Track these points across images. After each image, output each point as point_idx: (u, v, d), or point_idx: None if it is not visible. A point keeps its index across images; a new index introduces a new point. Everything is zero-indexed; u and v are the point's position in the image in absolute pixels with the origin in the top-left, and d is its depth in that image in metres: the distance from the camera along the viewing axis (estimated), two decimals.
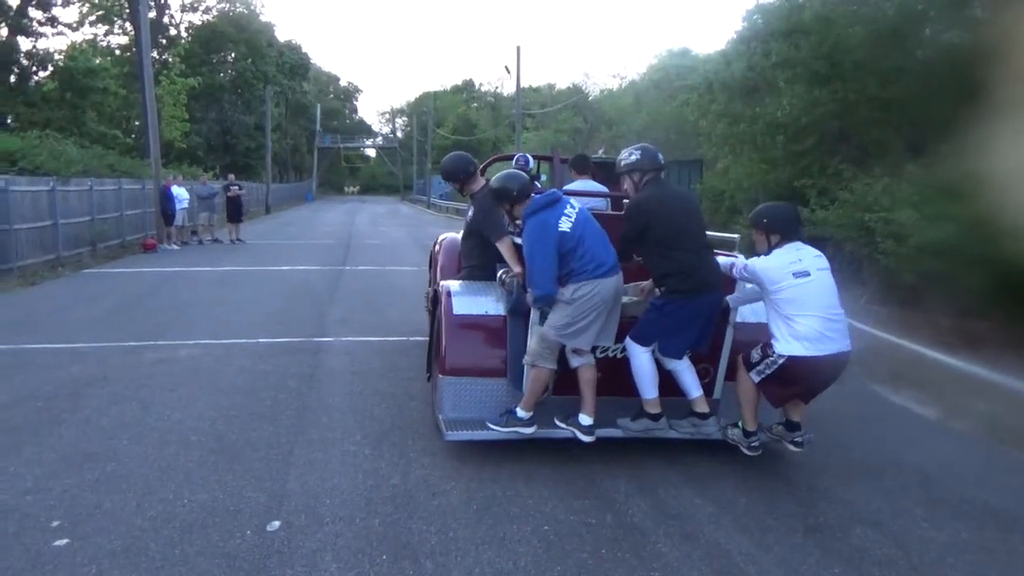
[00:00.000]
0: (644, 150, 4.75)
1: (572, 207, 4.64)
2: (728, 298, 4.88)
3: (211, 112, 44.46)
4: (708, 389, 4.96)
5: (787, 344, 4.36)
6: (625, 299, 4.77)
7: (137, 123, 31.70)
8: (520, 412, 4.67)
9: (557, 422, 4.69)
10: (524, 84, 57.40)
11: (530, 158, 7.41)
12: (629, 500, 4.21)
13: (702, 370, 4.94)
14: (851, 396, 6.07)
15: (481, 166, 6.11)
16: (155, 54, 36.27)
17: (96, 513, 3.98)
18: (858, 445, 5.13)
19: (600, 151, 28.13)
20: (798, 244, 4.50)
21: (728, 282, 4.81)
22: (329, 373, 6.47)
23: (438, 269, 6.33)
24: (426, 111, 68.00)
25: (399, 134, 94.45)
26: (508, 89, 79.45)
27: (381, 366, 6.69)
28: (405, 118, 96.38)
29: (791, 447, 4.70)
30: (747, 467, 4.73)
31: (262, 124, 44.93)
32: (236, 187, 19.71)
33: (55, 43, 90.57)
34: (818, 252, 4.50)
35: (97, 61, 29.11)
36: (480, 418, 4.75)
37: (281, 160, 63.10)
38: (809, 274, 4.39)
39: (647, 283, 4.87)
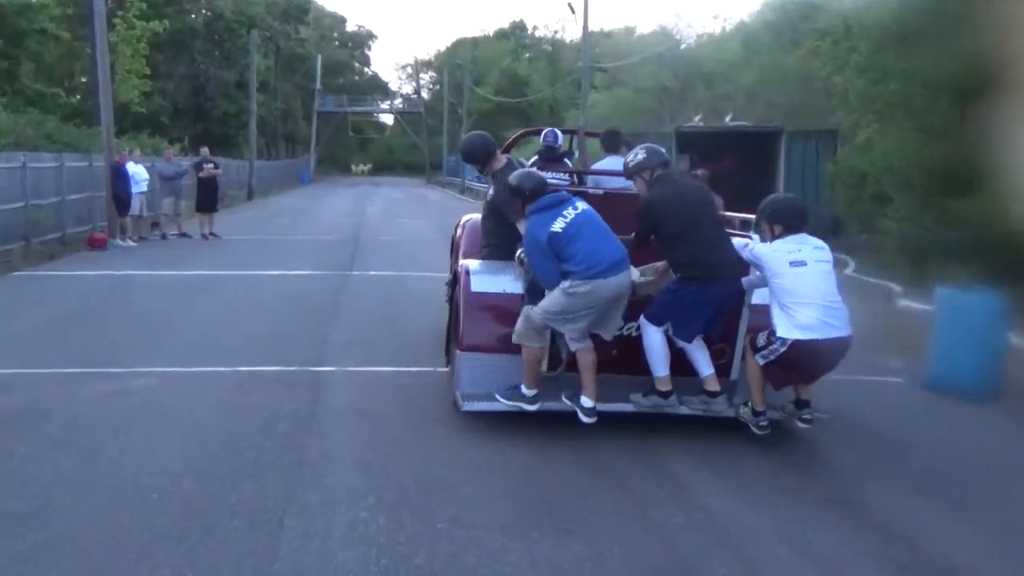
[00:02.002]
0: (648, 149, 6.49)
1: (574, 208, 6.18)
2: (743, 280, 6.40)
3: (179, 66, 44.75)
4: (725, 370, 6.61)
5: (788, 331, 5.91)
6: (641, 279, 6.40)
7: (84, 79, 31.52)
8: (524, 389, 6.29)
9: (564, 398, 6.36)
10: (593, 27, 57.69)
11: (559, 134, 8.84)
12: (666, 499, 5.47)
13: (718, 351, 6.53)
14: None
15: (506, 143, 7.51)
16: None
17: None
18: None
19: (696, 118, 27.39)
20: (802, 236, 6.10)
21: (745, 267, 6.34)
22: (331, 414, 6.56)
23: (460, 254, 7.75)
24: (461, 64, 67.88)
25: (424, 94, 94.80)
26: (572, 34, 79.52)
27: (399, 405, 6.79)
28: (433, 74, 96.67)
29: (800, 424, 6.43)
30: (755, 444, 6.32)
31: (245, 82, 44.66)
32: (210, 165, 19.98)
33: None
34: (821, 245, 6.12)
35: None
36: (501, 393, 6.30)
37: (270, 129, 63.70)
38: (806, 264, 5.95)
39: (663, 263, 6.50)
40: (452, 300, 7.50)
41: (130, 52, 32.18)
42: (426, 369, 7.81)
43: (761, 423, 6.51)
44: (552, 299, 6.26)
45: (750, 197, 7.68)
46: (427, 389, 7.17)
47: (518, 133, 9.06)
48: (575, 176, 8.75)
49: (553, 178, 8.44)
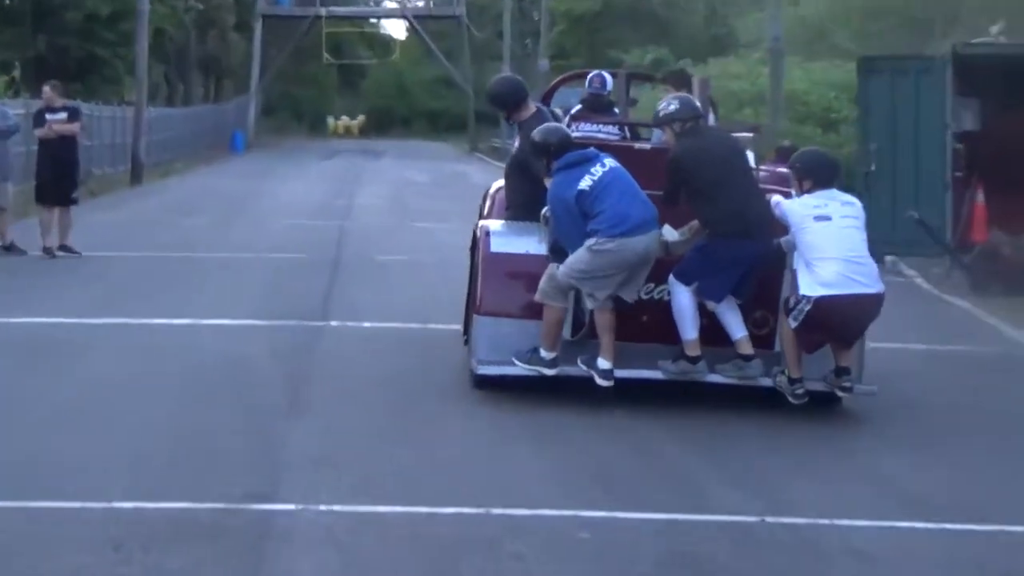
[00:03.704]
0: (681, 99, 8.82)
1: (602, 165, 8.38)
2: (781, 240, 8.55)
3: None
4: (768, 340, 8.68)
5: (811, 288, 8.08)
6: (674, 238, 8.58)
7: None
8: (543, 352, 8.40)
9: (579, 362, 8.45)
10: None
11: (608, 78, 10.92)
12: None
13: (760, 319, 8.68)
14: None
15: (546, 91, 10.67)
16: None
17: None
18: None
19: (994, 30, 24.94)
20: (832, 191, 8.44)
21: (780, 227, 8.54)
22: None
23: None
24: None
25: None
26: None
27: None
28: None
29: (839, 392, 8.52)
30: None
31: None
32: (61, 116, 17.06)
33: None
34: (851, 201, 8.56)
35: None
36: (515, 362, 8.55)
37: (174, 51, 58.09)
38: (830, 219, 8.19)
39: (696, 222, 8.64)
40: (472, 264, 9.67)
41: None
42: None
43: (797, 391, 8.34)
44: (578, 257, 8.22)
45: None
46: None
47: (560, 78, 10.83)
48: (626, 129, 10.48)
49: (600, 131, 10.36)
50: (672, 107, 8.62)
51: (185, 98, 64.55)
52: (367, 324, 12.95)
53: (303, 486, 7.42)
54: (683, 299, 8.34)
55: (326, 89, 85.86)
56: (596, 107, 11.13)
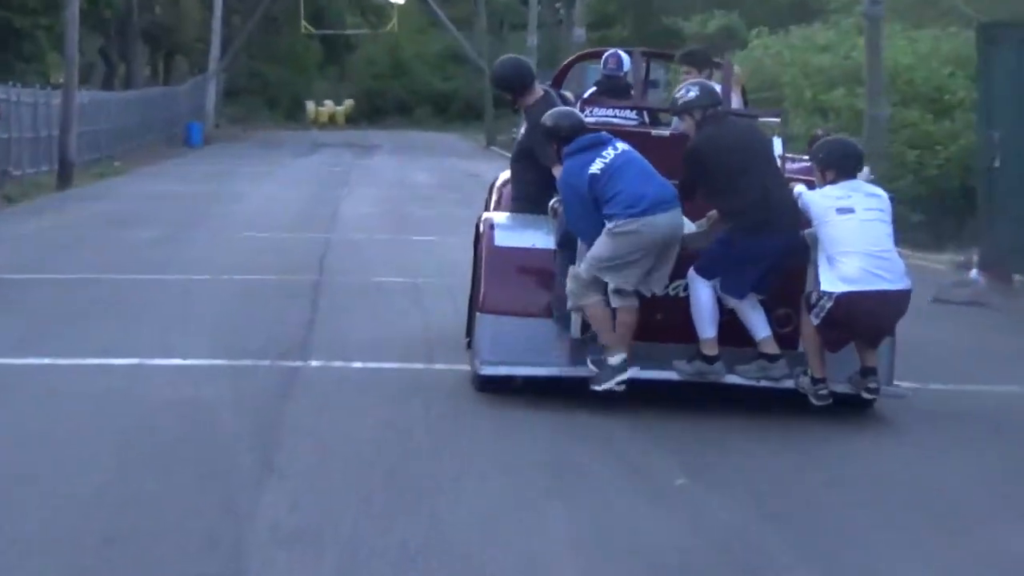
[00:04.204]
0: (701, 86, 10.40)
1: (614, 149, 9.85)
2: (805, 233, 10.02)
3: None
4: (792, 340, 10.07)
5: (833, 283, 9.52)
6: (692, 230, 10.07)
7: None
8: (611, 360, 9.74)
9: (589, 363, 9.91)
10: None
11: (624, 58, 12.18)
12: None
13: (783, 317, 10.09)
14: None
15: (556, 73, 12.57)
16: None
17: None
18: None
19: None
20: (856, 182, 9.96)
21: (805, 219, 10.00)
22: None
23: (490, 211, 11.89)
24: None
25: None
26: None
27: None
28: None
29: (865, 395, 10.06)
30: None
31: None
32: None
33: None
34: (876, 193, 10.08)
35: None
36: (526, 361, 10.21)
37: (113, 19, 59.46)
38: (854, 211, 9.63)
39: (715, 212, 10.29)
40: (475, 260, 11.26)
41: None
42: None
43: (820, 391, 9.77)
44: (600, 244, 9.65)
45: None
46: None
47: (570, 59, 12.51)
48: (646, 113, 11.85)
49: (616, 116, 11.65)
50: (692, 94, 10.17)
51: (127, 79, 65.04)
52: (356, 364, 12.93)
53: (275, 570, 7.42)
54: (703, 295, 9.82)
55: (305, 67, 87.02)
56: (611, 90, 12.27)
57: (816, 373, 9.72)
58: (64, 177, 35.60)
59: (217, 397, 11.43)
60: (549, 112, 10.15)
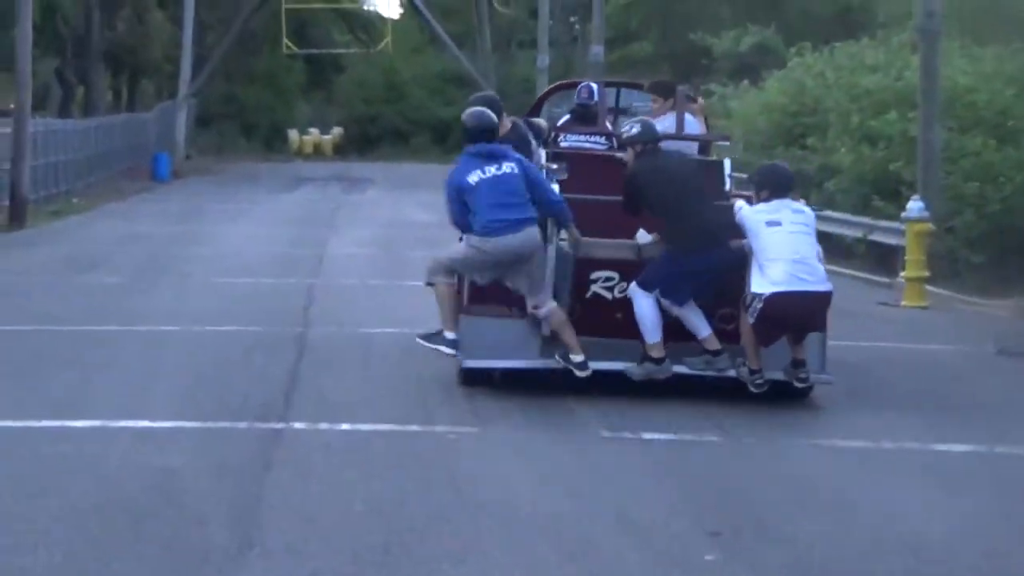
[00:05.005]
0: (643, 124, 13.89)
1: (498, 168, 13.15)
2: (743, 243, 13.22)
3: None
4: (735, 335, 13.29)
5: (761, 286, 12.76)
6: (647, 240, 13.58)
7: None
8: (445, 333, 13.62)
9: (557, 356, 13.28)
10: None
11: (595, 88, 16.23)
12: None
13: (727, 315, 13.49)
14: None
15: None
16: None
17: None
18: None
19: None
20: (786, 200, 13.30)
21: (739, 233, 13.26)
22: None
23: None
24: None
25: None
26: None
27: None
28: None
29: (796, 384, 13.33)
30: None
31: None
32: None
33: None
34: (802, 209, 13.46)
35: None
36: (502, 356, 13.79)
37: (76, 41, 60.37)
38: (781, 224, 12.94)
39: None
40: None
41: None
42: None
43: (756, 381, 12.98)
44: (458, 248, 13.72)
45: None
46: None
47: (547, 89, 16.30)
48: (613, 140, 15.12)
49: (588, 142, 15.52)
50: (634, 131, 13.72)
51: (86, 105, 64.73)
52: (344, 426, 13.03)
53: None
54: (644, 305, 13.06)
55: (287, 91, 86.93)
56: (583, 117, 16.12)
57: (752, 365, 12.99)
58: (15, 215, 35.53)
59: (189, 464, 11.43)
60: (467, 111, 13.76)
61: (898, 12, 38.70)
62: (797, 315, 12.94)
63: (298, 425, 13.01)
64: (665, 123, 14.91)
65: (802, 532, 9.35)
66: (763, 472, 11.26)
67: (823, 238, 30.58)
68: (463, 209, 13.29)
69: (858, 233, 28.76)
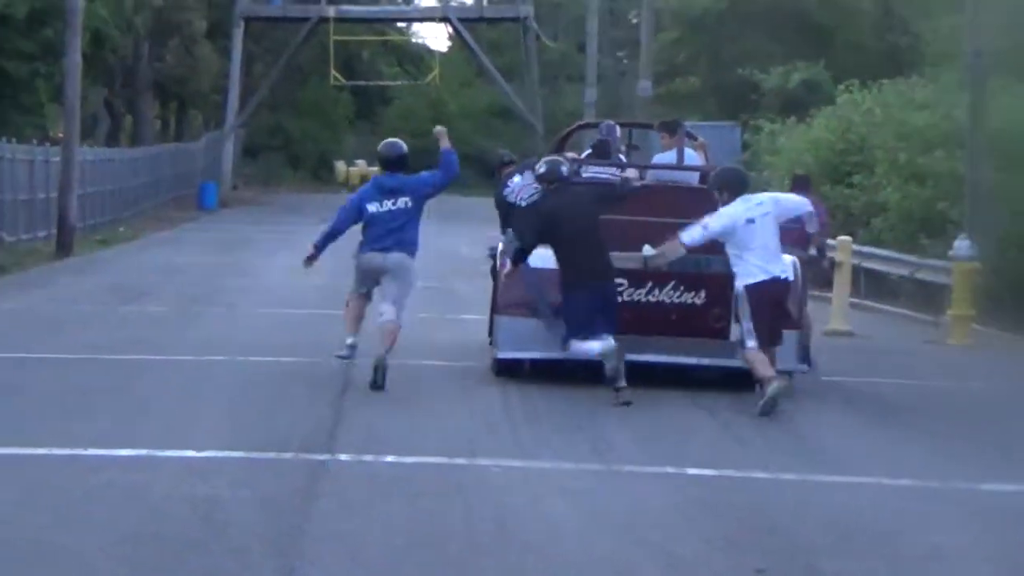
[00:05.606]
0: (549, 164, 16.71)
1: (394, 204, 16.58)
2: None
3: None
4: (723, 332, 16.52)
5: (743, 279, 15.18)
6: (651, 253, 15.95)
7: None
8: (348, 340, 16.90)
9: (562, 348, 16.33)
10: None
11: (615, 127, 19.66)
12: None
13: (718, 314, 16.58)
14: None
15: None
16: None
17: None
18: None
19: None
20: (748, 196, 15.50)
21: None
22: None
23: None
24: None
25: None
26: None
27: None
28: None
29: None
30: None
31: None
32: None
33: None
34: (761, 200, 15.80)
35: None
36: (531, 348, 16.98)
37: (124, 71, 60.19)
38: (755, 221, 15.18)
39: (669, 244, 15.79)
40: (494, 281, 18.19)
41: None
42: None
43: (780, 386, 14.83)
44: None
45: None
46: None
47: (572, 127, 20.15)
48: (622, 171, 17.68)
49: (604, 173, 17.74)
50: (541, 170, 16.40)
51: (134, 135, 64.74)
52: (389, 458, 12.96)
53: None
54: (585, 347, 15.43)
55: (334, 122, 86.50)
56: (602, 152, 18.56)
57: (767, 375, 14.75)
58: (63, 244, 35.48)
59: (233, 495, 11.35)
60: (385, 141, 17.76)
61: (948, 48, 38.45)
62: (769, 304, 14.96)
63: (343, 457, 12.95)
64: (668, 156, 18.00)
65: (847, 571, 9.25)
66: (807, 509, 11.01)
67: (869, 276, 31.23)
68: (349, 218, 16.73)
69: (904, 271, 28.78)
